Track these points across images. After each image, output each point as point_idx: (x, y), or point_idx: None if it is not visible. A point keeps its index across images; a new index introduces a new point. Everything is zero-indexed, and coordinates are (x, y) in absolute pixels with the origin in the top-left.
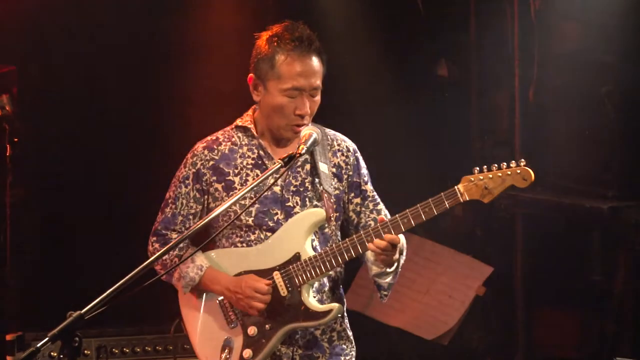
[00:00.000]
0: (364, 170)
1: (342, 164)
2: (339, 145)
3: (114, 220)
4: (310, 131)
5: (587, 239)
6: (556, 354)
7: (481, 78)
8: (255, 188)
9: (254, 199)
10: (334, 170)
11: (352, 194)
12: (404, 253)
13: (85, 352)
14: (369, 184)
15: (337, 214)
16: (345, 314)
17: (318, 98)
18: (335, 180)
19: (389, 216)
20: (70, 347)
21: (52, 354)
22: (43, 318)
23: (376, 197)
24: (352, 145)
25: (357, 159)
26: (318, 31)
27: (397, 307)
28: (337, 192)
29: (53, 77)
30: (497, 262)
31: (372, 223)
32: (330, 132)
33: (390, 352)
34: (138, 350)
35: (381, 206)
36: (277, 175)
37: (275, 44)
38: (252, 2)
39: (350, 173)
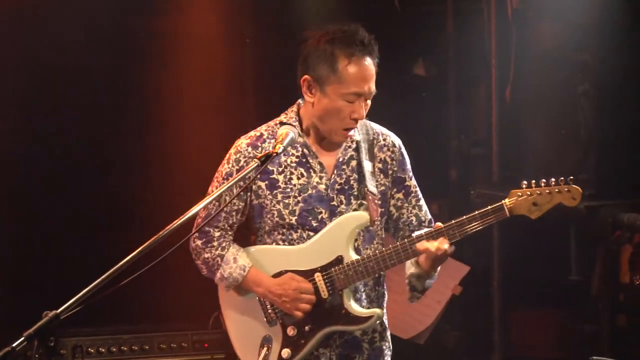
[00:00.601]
0: (409, 166)
1: (388, 160)
2: (384, 140)
3: (89, 220)
4: (286, 130)
5: (563, 238)
6: (533, 354)
7: (458, 77)
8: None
9: (234, 195)
10: (379, 166)
11: (395, 189)
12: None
13: (61, 351)
14: (413, 179)
15: (382, 210)
16: (385, 310)
17: (369, 102)
18: (382, 176)
19: (428, 214)
20: (46, 346)
21: (27, 353)
22: (19, 318)
23: (419, 192)
24: (398, 140)
25: (402, 154)
26: (294, 32)
27: None
28: (382, 188)
29: (26, 77)
30: (474, 261)
31: (414, 219)
32: (376, 126)
33: None
34: (114, 350)
35: (422, 202)
36: (257, 172)
37: (336, 46)
38: (229, 3)
39: (396, 169)
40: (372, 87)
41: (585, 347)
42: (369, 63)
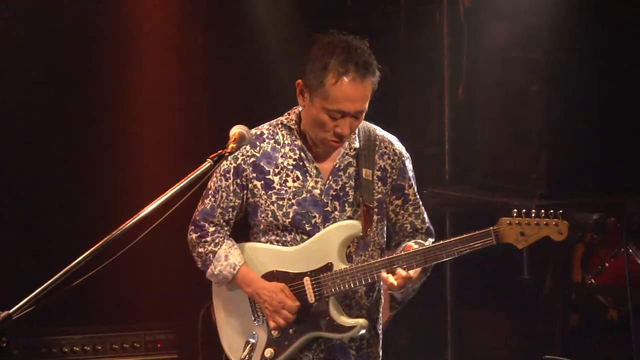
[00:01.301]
0: (410, 174)
1: (388, 168)
2: (386, 147)
3: (40, 219)
4: (239, 130)
5: None
6: (486, 354)
7: (411, 77)
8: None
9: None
10: (378, 173)
11: (394, 196)
12: (429, 272)
13: (13, 352)
14: (413, 187)
15: (379, 217)
16: (380, 315)
17: (362, 117)
18: (379, 184)
19: (426, 222)
20: None
21: None
22: None
23: (418, 201)
24: (400, 149)
25: (403, 163)
26: (245, 30)
27: None
28: (379, 196)
29: None
30: None
31: (409, 226)
32: (380, 132)
33: None
34: (66, 350)
35: (420, 210)
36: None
37: (332, 60)
38: (182, 3)
39: (395, 177)
40: (361, 106)
41: (538, 346)
42: (361, 84)
